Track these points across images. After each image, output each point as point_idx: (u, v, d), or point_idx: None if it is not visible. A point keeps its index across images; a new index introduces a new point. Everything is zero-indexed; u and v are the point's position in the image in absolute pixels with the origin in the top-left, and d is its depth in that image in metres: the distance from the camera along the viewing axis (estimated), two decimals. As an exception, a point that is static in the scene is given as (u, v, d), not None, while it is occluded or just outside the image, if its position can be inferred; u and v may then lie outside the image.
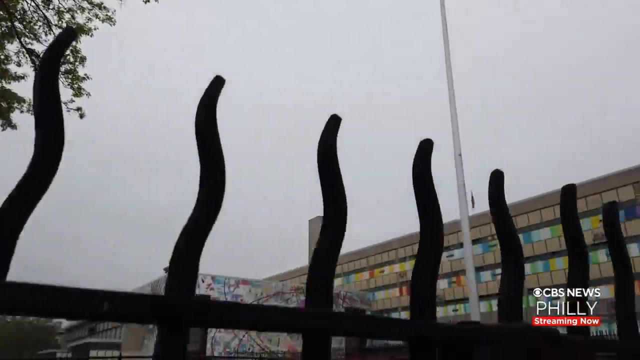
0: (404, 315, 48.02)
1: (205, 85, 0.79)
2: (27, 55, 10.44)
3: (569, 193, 1.16)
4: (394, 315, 48.14)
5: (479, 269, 39.26)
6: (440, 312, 43.85)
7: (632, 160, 44.34)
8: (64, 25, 10.21)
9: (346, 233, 0.91)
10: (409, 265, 49.95)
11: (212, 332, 30.63)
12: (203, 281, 30.69)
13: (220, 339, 30.71)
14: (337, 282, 48.31)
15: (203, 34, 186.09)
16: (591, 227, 34.16)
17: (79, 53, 10.69)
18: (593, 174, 45.59)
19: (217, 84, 0.78)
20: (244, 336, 31.45)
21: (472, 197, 28.12)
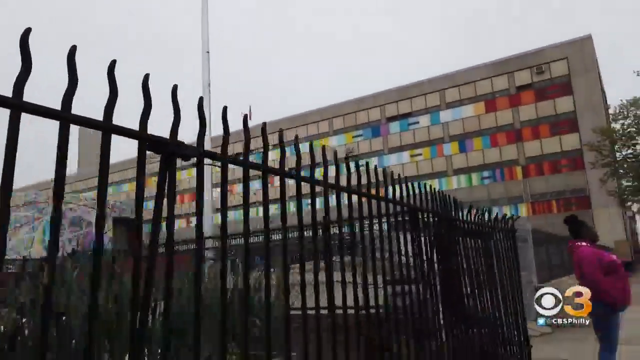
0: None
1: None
2: None
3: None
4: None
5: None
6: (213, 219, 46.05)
7: (380, 86, 51.60)
8: None
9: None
10: (185, 174, 50.26)
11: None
12: None
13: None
14: (109, 190, 45.78)
15: None
16: (345, 142, 39.57)
17: None
18: (353, 94, 52.17)
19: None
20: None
21: (250, 110, 29.31)
